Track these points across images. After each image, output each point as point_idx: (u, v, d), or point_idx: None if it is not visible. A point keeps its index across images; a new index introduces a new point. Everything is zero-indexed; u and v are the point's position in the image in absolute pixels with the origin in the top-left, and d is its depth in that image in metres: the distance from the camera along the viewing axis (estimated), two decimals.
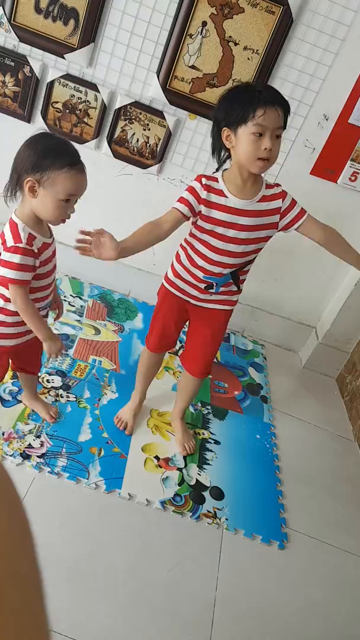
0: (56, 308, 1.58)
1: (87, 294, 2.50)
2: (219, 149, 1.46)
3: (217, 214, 1.44)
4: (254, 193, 1.45)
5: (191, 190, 1.44)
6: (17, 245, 1.28)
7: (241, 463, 1.91)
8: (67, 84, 2.14)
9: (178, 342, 1.90)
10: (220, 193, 1.44)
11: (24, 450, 1.61)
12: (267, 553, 1.63)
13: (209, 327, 1.68)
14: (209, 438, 1.96)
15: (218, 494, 1.74)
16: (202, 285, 1.58)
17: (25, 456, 1.60)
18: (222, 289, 1.59)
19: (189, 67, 2.06)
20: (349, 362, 2.58)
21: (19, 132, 2.30)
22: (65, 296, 2.40)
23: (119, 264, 2.50)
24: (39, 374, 1.89)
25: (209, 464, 1.85)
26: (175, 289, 1.62)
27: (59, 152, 1.26)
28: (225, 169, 1.47)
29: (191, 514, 1.64)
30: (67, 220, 1.34)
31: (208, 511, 1.67)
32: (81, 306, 2.39)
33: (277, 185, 1.50)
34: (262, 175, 1.46)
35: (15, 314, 1.38)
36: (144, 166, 2.28)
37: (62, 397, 1.86)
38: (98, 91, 2.13)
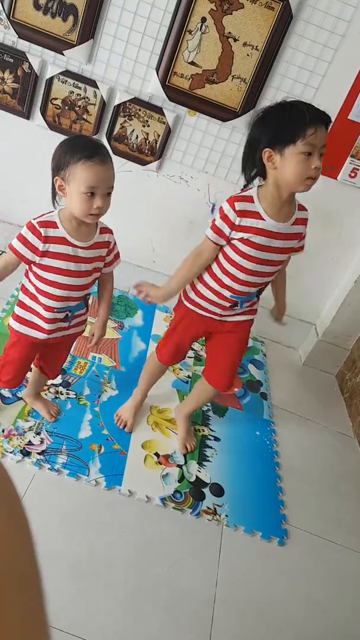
0: (95, 335, 1.58)
1: None
2: (251, 168, 1.43)
3: (253, 238, 1.41)
4: (289, 214, 1.43)
5: (223, 217, 1.41)
6: (30, 220, 1.32)
7: (241, 460, 1.91)
8: (66, 81, 2.13)
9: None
10: (256, 216, 1.40)
11: (24, 447, 1.62)
12: (267, 549, 1.63)
13: (233, 339, 1.65)
14: (209, 435, 1.96)
15: (218, 491, 1.75)
16: (228, 304, 1.55)
17: (26, 453, 1.60)
18: (245, 304, 1.58)
19: (188, 63, 2.05)
20: (348, 359, 2.58)
21: (18, 128, 2.31)
22: None
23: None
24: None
25: (208, 460, 1.85)
26: (198, 308, 1.59)
27: (78, 147, 1.26)
28: (260, 186, 1.43)
29: (191, 510, 1.65)
30: (100, 215, 1.33)
31: (208, 508, 1.67)
32: None
33: (306, 209, 1.49)
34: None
35: (50, 309, 1.39)
36: (144, 163, 2.27)
37: (62, 394, 1.86)
38: (97, 87, 2.13)
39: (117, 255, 1.50)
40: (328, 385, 2.60)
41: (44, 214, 1.34)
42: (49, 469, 1.59)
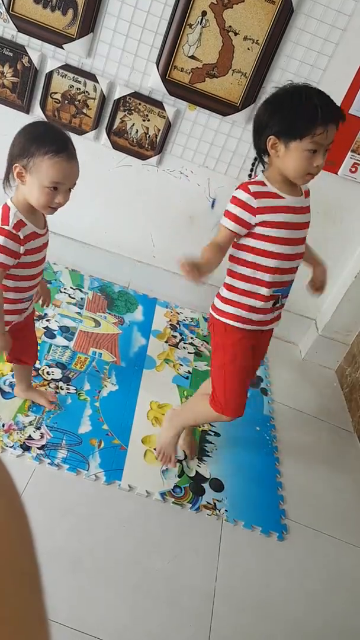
0: (42, 297, 1.58)
1: (87, 286, 2.49)
2: (258, 151, 1.39)
3: (278, 217, 1.35)
4: (299, 188, 1.41)
5: (238, 202, 1.33)
6: (3, 227, 1.29)
7: (241, 455, 1.92)
8: (66, 75, 2.12)
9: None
10: (274, 196, 1.35)
11: (24, 442, 1.62)
12: (266, 544, 1.63)
13: (259, 354, 1.57)
14: (209, 430, 1.96)
15: (218, 486, 1.75)
16: (270, 304, 1.45)
17: (26, 448, 1.60)
18: (283, 300, 1.49)
19: (189, 57, 2.04)
20: (348, 354, 2.58)
21: (18, 123, 2.29)
22: (65, 288, 2.40)
23: (118, 255, 2.50)
24: (38, 367, 1.90)
25: (208, 455, 1.85)
26: (247, 323, 1.46)
27: (45, 139, 1.25)
28: (263, 170, 1.40)
29: (191, 505, 1.65)
30: (57, 209, 1.31)
31: (208, 502, 1.68)
32: (81, 298, 2.39)
33: None
34: None
35: (19, 301, 1.41)
36: (144, 157, 2.26)
37: (62, 389, 1.87)
38: (97, 82, 2.12)
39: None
40: (328, 380, 2.60)
41: (3, 213, 1.31)
42: (49, 463, 1.59)
